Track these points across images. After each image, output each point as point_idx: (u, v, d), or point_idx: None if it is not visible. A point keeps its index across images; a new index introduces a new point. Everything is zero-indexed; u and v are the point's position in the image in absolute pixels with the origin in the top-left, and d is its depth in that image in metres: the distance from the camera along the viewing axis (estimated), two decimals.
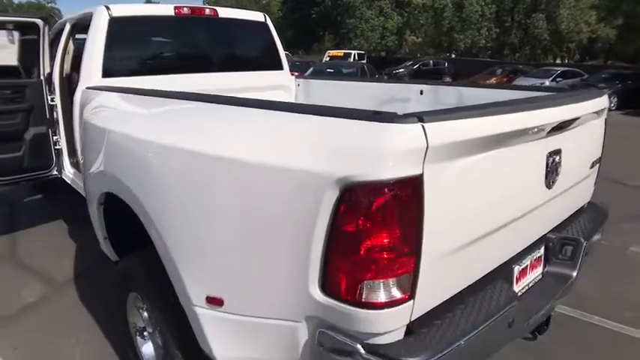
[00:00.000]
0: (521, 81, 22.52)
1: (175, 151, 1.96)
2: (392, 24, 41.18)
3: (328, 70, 20.92)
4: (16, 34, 4.32)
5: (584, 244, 2.37)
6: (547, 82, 21.21)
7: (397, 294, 1.49)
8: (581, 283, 3.87)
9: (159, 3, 4.35)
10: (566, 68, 24.53)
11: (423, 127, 1.38)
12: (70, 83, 4.71)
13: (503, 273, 2.04)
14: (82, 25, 4.42)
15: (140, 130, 2.27)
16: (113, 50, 3.79)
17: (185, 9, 4.17)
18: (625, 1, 36.34)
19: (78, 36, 4.78)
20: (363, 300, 1.47)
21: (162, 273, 2.07)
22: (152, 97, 2.63)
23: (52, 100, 4.48)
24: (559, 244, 2.41)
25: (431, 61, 33.01)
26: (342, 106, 1.72)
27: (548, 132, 1.96)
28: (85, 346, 3.25)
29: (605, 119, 2.71)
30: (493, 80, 25.22)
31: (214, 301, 1.80)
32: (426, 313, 1.63)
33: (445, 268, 1.64)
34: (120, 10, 3.82)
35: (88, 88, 3.55)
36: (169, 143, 2.00)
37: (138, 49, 4.14)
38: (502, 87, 3.91)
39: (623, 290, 4.08)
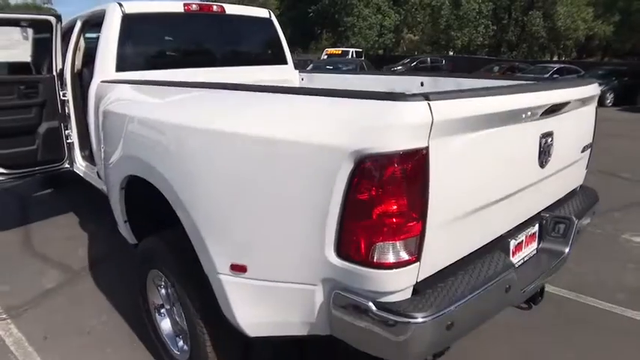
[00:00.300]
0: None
1: (201, 132, 2.13)
2: (389, 22, 41.25)
3: (327, 67, 21.08)
4: (30, 31, 4.48)
5: (576, 222, 2.55)
6: None
7: (405, 256, 1.67)
8: (577, 268, 4.11)
9: None
10: (563, 65, 24.73)
11: (429, 105, 1.56)
12: (80, 79, 4.88)
13: (500, 245, 2.22)
14: (93, 23, 4.59)
15: (166, 115, 2.45)
16: (126, 45, 3.95)
17: (194, 5, 4.33)
18: None
19: (88, 34, 4.95)
20: (374, 261, 1.65)
21: (185, 248, 2.25)
22: (177, 87, 2.82)
23: (64, 95, 4.64)
24: (552, 222, 2.58)
25: (428, 59, 33.17)
26: None
27: (541, 114, 2.14)
28: (104, 327, 3.42)
29: (596, 107, 2.88)
30: None
31: (238, 268, 1.97)
32: (430, 276, 1.81)
33: (448, 234, 1.82)
34: (132, 7, 3.98)
35: (103, 81, 3.71)
36: (195, 125, 2.18)
37: (149, 44, 4.29)
38: (499, 78, 4.10)
39: (616, 274, 4.27)
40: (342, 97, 1.76)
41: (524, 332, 3.34)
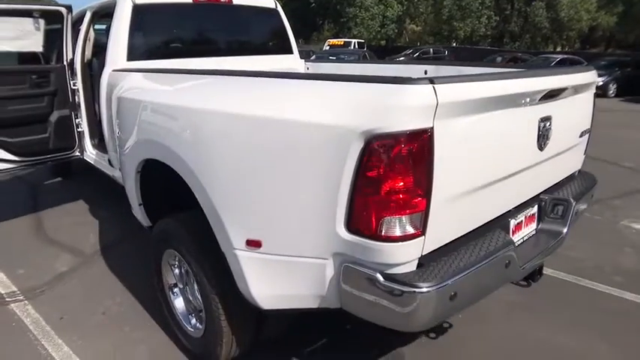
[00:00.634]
0: None
1: (219, 115, 2.25)
2: (392, 12, 41.24)
3: (330, 58, 21.10)
4: (41, 21, 4.57)
5: (574, 204, 2.66)
6: None
7: (411, 230, 1.79)
8: (576, 253, 4.23)
9: None
10: (566, 56, 24.63)
11: (434, 88, 1.67)
12: (90, 68, 4.99)
13: (501, 224, 2.33)
14: (103, 13, 4.70)
15: (184, 101, 2.56)
16: (136, 35, 4.05)
17: None
18: None
19: (97, 24, 5.05)
20: (382, 235, 1.77)
21: (201, 227, 2.38)
22: (193, 74, 2.94)
23: (75, 84, 4.74)
24: (551, 204, 2.69)
25: (431, 50, 33.09)
26: None
27: (540, 99, 2.25)
28: (119, 307, 3.55)
29: (594, 93, 2.98)
30: None
31: (253, 244, 2.09)
32: (435, 250, 1.94)
33: (451, 211, 1.93)
34: None
35: (114, 70, 3.82)
36: (213, 109, 2.29)
37: (159, 34, 4.38)
38: (500, 66, 4.19)
39: (614, 258, 4.40)
40: (353, 81, 1.88)
41: (523, 313, 3.47)
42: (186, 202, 2.56)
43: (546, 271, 3.75)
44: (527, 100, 2.17)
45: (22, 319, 3.44)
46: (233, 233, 2.15)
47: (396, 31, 43.92)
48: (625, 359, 3.01)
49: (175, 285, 3.03)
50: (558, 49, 44.40)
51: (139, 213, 3.28)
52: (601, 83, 18.18)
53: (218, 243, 2.28)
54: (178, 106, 2.57)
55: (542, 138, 2.36)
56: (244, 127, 2.10)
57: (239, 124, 2.13)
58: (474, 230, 2.15)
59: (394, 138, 1.68)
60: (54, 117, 4.73)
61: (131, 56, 3.98)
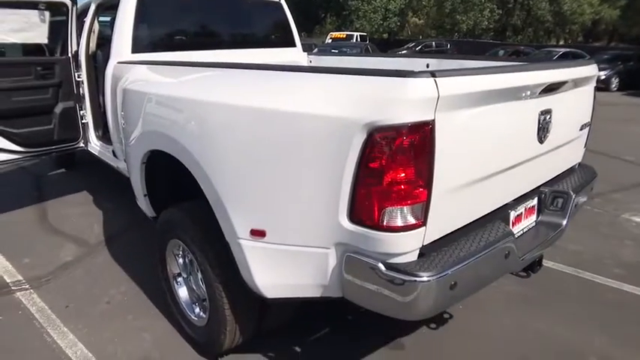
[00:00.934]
0: None
1: (224, 107, 2.28)
2: (394, 5, 41.10)
3: (332, 51, 21.12)
4: (47, 13, 4.60)
5: (574, 196, 2.69)
6: None
7: (412, 220, 1.82)
8: (576, 246, 4.27)
9: None
10: (568, 49, 24.59)
11: (435, 81, 1.70)
12: (94, 60, 5.02)
13: (501, 216, 2.37)
14: (107, 5, 4.71)
15: (190, 93, 2.59)
16: (141, 28, 4.08)
17: None
18: None
19: (102, 16, 5.08)
20: (384, 225, 1.81)
21: (206, 216, 2.42)
22: (197, 67, 2.98)
23: (79, 76, 4.77)
24: (551, 197, 2.73)
25: (433, 43, 33.05)
26: None
27: (540, 92, 2.28)
28: (123, 297, 3.60)
29: (595, 87, 3.01)
30: None
31: (257, 233, 2.13)
32: (435, 241, 1.97)
33: (452, 202, 1.97)
34: None
35: (119, 62, 3.85)
36: (218, 101, 2.32)
37: (163, 26, 4.40)
38: (502, 60, 4.22)
39: (614, 251, 4.44)
40: (355, 74, 1.91)
41: (523, 305, 3.51)
42: (190, 193, 2.60)
43: (546, 263, 3.79)
44: (528, 93, 2.20)
45: (28, 307, 3.49)
46: (237, 223, 2.19)
47: (399, 24, 43.78)
48: (623, 350, 3.05)
49: (179, 274, 3.07)
50: (561, 42, 44.27)
51: (143, 203, 3.32)
52: (603, 77, 18.17)
53: (222, 232, 2.32)
54: (183, 98, 2.61)
55: (542, 131, 2.39)
56: (248, 119, 2.14)
57: (243, 116, 2.17)
58: (474, 221, 2.19)
59: (396, 130, 1.71)
60: (58, 108, 4.77)
61: (136, 48, 4.00)
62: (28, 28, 4.53)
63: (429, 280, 1.81)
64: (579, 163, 3.18)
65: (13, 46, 4.62)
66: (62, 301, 3.54)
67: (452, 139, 1.85)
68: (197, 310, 2.98)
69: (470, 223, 2.16)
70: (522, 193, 2.53)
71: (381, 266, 1.84)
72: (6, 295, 3.64)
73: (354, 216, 1.87)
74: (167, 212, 2.91)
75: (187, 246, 2.69)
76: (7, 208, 5.31)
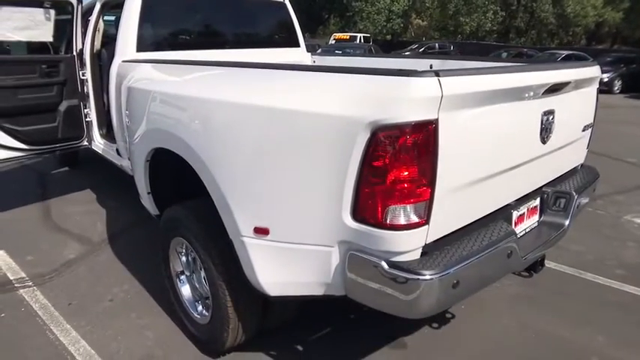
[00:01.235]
0: None
1: (228, 106, 2.29)
2: (398, 7, 41.09)
3: (336, 52, 21.11)
4: (52, 12, 4.62)
5: (576, 197, 2.70)
6: None
7: (415, 218, 1.84)
8: (578, 247, 4.27)
9: None
10: (571, 52, 24.56)
11: (439, 80, 1.72)
12: (99, 59, 5.04)
13: (503, 215, 2.38)
14: (112, 4, 4.74)
15: (194, 91, 2.60)
16: (146, 27, 4.09)
17: None
18: None
19: (107, 15, 5.10)
20: (387, 223, 1.82)
21: (209, 214, 2.43)
22: (202, 66, 3.00)
23: (84, 74, 4.80)
24: (553, 197, 2.74)
25: (436, 45, 32.98)
26: None
27: (543, 93, 2.29)
28: (126, 294, 3.61)
29: (598, 88, 3.02)
30: None
31: (261, 231, 2.15)
32: (438, 239, 1.98)
33: (455, 201, 1.98)
34: None
35: (124, 61, 3.87)
36: (223, 99, 2.34)
37: (168, 25, 4.42)
38: (506, 61, 4.24)
39: (616, 252, 4.44)
40: (359, 73, 1.93)
41: (525, 305, 3.51)
42: (193, 191, 2.61)
43: (548, 263, 3.80)
44: (531, 93, 2.22)
45: (31, 304, 3.50)
46: (241, 221, 2.20)
47: (402, 25, 43.73)
48: (624, 351, 3.05)
49: (182, 272, 3.09)
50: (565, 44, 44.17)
51: (147, 201, 3.33)
52: (606, 79, 18.14)
53: (226, 230, 2.33)
54: (188, 97, 2.62)
55: (545, 131, 2.41)
56: (253, 117, 2.16)
57: (247, 114, 2.19)
58: (477, 220, 2.20)
59: (400, 129, 1.72)
60: (63, 106, 4.79)
61: (140, 47, 4.02)
62: (34, 26, 4.55)
63: (431, 279, 1.83)
64: (582, 164, 3.19)
65: (19, 44, 4.63)
66: (65, 299, 3.56)
67: (455, 138, 1.86)
68: (200, 308, 2.99)
69: (472, 222, 2.18)
70: (525, 193, 2.54)
71: (384, 264, 1.85)
72: (9, 292, 3.66)
73: (357, 214, 1.88)
74: (171, 210, 2.92)
75: (191, 244, 2.70)
76: (10, 205, 5.33)
